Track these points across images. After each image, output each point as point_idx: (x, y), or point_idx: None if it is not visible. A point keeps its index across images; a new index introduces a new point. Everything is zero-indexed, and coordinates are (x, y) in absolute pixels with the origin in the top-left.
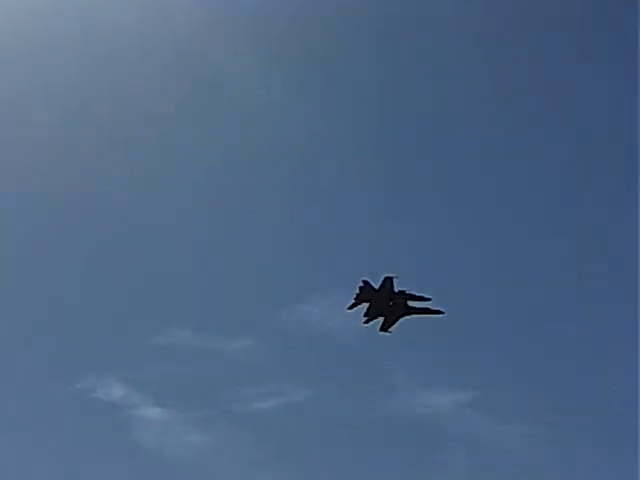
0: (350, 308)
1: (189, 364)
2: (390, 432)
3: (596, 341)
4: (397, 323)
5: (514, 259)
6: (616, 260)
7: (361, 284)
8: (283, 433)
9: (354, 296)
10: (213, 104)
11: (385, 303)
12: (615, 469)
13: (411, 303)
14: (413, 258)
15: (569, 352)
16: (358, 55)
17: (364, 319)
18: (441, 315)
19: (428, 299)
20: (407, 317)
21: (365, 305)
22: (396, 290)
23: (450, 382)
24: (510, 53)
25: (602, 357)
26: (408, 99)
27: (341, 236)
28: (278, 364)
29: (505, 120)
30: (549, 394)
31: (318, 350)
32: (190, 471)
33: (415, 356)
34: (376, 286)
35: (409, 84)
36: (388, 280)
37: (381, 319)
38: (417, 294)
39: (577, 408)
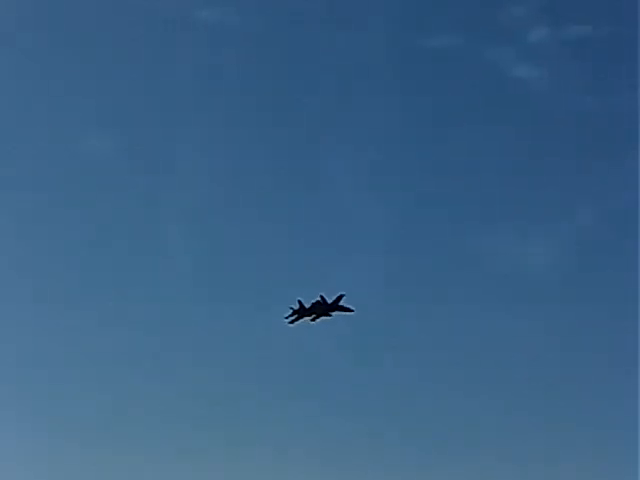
0: (292, 322)
1: None
2: None
3: None
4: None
5: None
6: None
7: (318, 299)
8: None
9: (305, 309)
10: None
11: (326, 313)
12: None
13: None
14: None
15: None
16: None
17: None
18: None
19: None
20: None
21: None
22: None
23: None
24: None
25: None
26: None
27: None
28: None
29: None
30: None
31: None
32: None
33: None
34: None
35: None
36: (341, 297)
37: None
38: (346, 306)
39: None
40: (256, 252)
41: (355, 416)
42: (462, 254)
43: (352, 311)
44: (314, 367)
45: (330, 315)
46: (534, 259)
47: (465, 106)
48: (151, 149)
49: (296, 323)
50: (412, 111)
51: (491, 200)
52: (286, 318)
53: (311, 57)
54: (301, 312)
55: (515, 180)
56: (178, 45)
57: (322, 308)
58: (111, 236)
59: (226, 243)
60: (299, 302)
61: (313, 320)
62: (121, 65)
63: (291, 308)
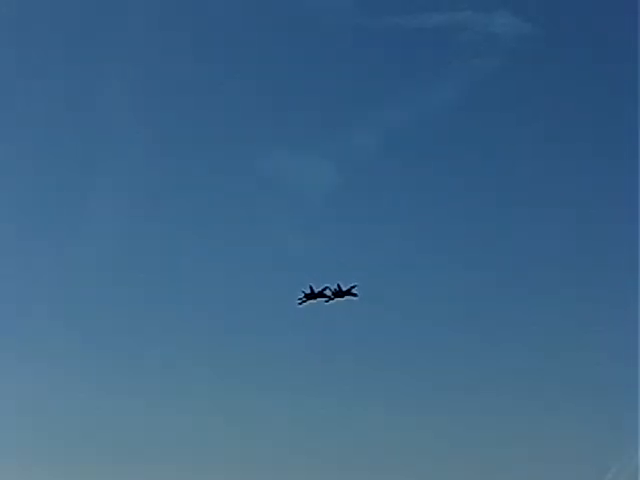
0: (301, 303)
1: None
2: None
3: None
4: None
5: None
6: None
7: (335, 287)
8: None
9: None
10: None
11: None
12: None
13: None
14: None
15: None
16: None
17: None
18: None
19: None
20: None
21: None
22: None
23: None
24: None
25: None
26: None
27: None
28: None
29: None
30: None
31: None
32: None
33: None
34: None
35: None
36: (354, 287)
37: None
38: (354, 292)
39: None
40: None
41: None
42: (252, 174)
43: (356, 296)
44: None
45: (341, 298)
46: (316, 179)
47: (257, 30)
48: None
49: (304, 304)
50: (200, 33)
51: (276, 121)
52: (298, 299)
53: None
54: (311, 296)
55: (300, 101)
56: None
57: (337, 293)
58: None
59: None
60: (310, 287)
61: (327, 302)
62: None
63: (303, 292)
